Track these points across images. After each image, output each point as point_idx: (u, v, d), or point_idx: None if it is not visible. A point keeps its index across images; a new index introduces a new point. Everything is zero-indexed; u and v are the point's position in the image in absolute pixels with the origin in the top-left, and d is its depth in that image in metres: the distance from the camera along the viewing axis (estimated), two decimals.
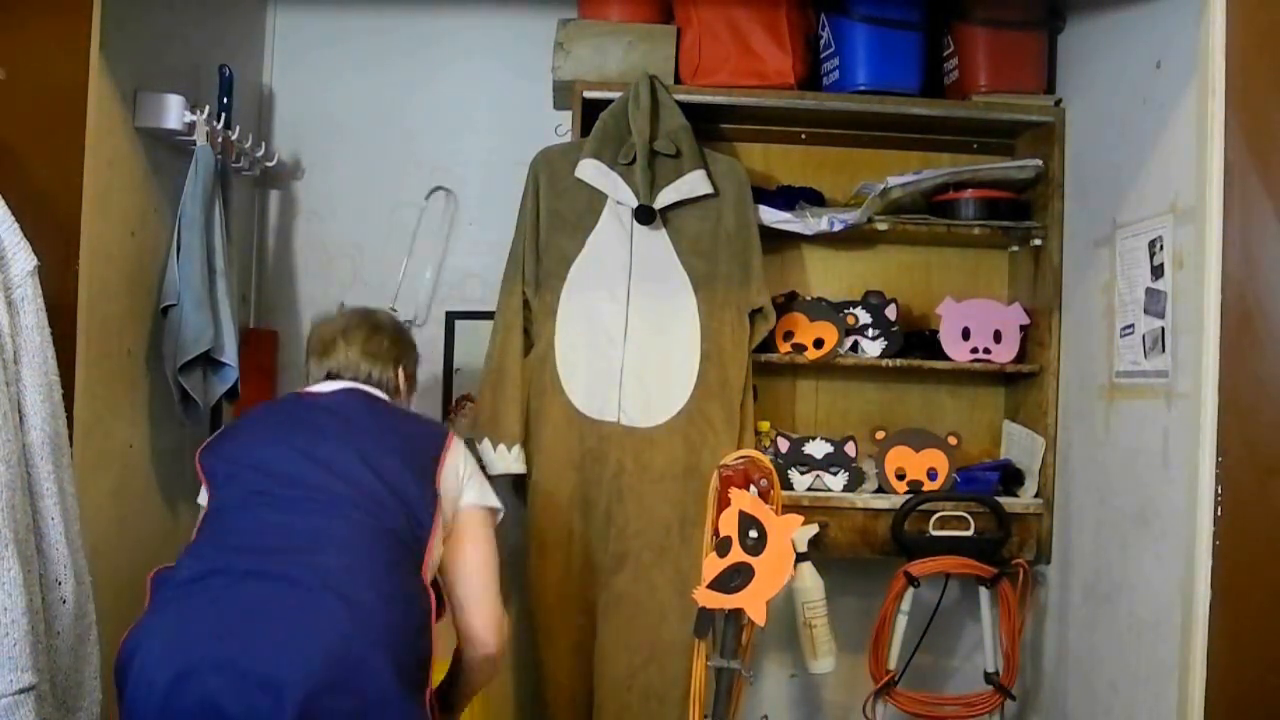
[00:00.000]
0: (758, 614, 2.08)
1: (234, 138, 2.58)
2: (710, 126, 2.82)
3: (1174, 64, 2.17)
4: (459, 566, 1.90)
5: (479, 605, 1.91)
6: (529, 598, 2.60)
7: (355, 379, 2.02)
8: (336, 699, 1.55)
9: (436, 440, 1.93)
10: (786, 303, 2.79)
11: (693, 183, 2.58)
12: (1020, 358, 2.79)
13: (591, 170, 2.58)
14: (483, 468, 2.24)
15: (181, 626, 1.60)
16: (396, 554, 1.74)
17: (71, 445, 1.76)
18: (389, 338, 2.10)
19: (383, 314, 2.18)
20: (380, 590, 1.66)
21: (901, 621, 2.62)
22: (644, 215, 2.55)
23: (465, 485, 1.94)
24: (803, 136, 2.92)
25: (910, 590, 2.60)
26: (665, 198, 2.57)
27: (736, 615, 2.15)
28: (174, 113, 2.32)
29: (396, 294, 2.97)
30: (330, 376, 2.04)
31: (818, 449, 2.72)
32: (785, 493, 2.50)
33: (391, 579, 1.70)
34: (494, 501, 1.99)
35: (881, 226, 2.74)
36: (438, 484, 1.85)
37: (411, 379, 2.15)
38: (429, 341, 2.98)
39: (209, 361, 2.40)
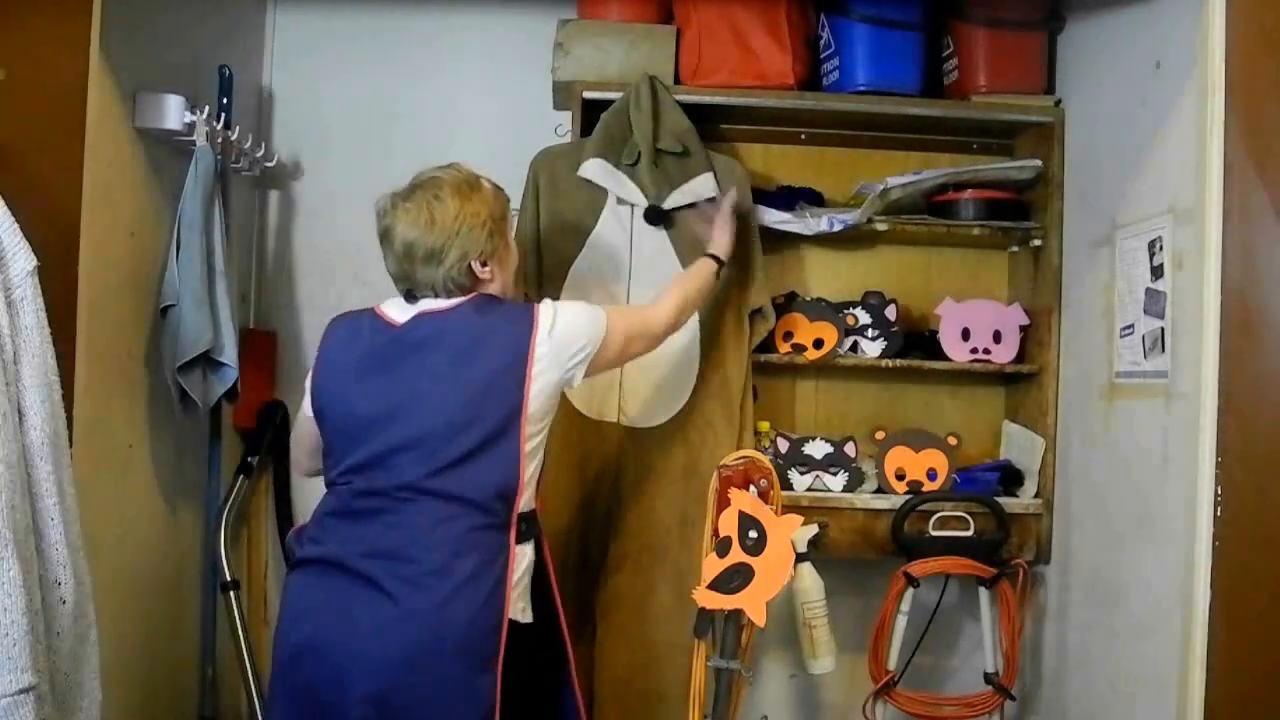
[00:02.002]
0: (757, 614, 2.08)
1: (234, 138, 2.58)
2: (710, 127, 2.82)
3: (1174, 64, 2.17)
4: (628, 355, 2.14)
5: (643, 348, 2.16)
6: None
7: (418, 292, 1.98)
8: (402, 692, 1.79)
9: (511, 365, 1.89)
10: (786, 303, 2.79)
11: (702, 186, 2.58)
12: (1020, 358, 2.79)
13: (598, 170, 2.57)
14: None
15: (295, 608, 1.90)
16: (477, 523, 1.87)
17: (71, 445, 1.76)
18: (447, 230, 1.94)
19: (445, 185, 2.02)
20: (452, 580, 1.82)
21: (901, 622, 2.61)
22: (652, 215, 2.56)
23: (570, 366, 1.96)
24: (803, 137, 2.92)
25: (910, 590, 2.60)
26: (674, 200, 2.57)
27: (736, 615, 2.15)
28: (174, 113, 2.32)
29: None
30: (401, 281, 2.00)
31: (817, 449, 2.72)
32: (785, 493, 2.50)
33: (465, 561, 1.84)
34: (598, 326, 1.99)
35: (881, 227, 2.74)
36: (523, 427, 1.89)
37: (493, 259, 1.99)
38: None
39: (208, 362, 2.40)
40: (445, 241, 1.93)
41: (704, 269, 2.32)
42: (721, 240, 2.38)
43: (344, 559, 1.86)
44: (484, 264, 1.97)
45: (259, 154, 2.78)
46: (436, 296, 1.97)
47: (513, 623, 1.90)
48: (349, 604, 1.83)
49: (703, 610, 2.18)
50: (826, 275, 2.95)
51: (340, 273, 3.02)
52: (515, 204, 2.69)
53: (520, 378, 1.89)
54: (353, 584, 1.83)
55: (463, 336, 1.93)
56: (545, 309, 1.96)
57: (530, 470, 1.94)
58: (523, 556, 1.94)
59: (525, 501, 1.94)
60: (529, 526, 1.96)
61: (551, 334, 1.93)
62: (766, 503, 2.23)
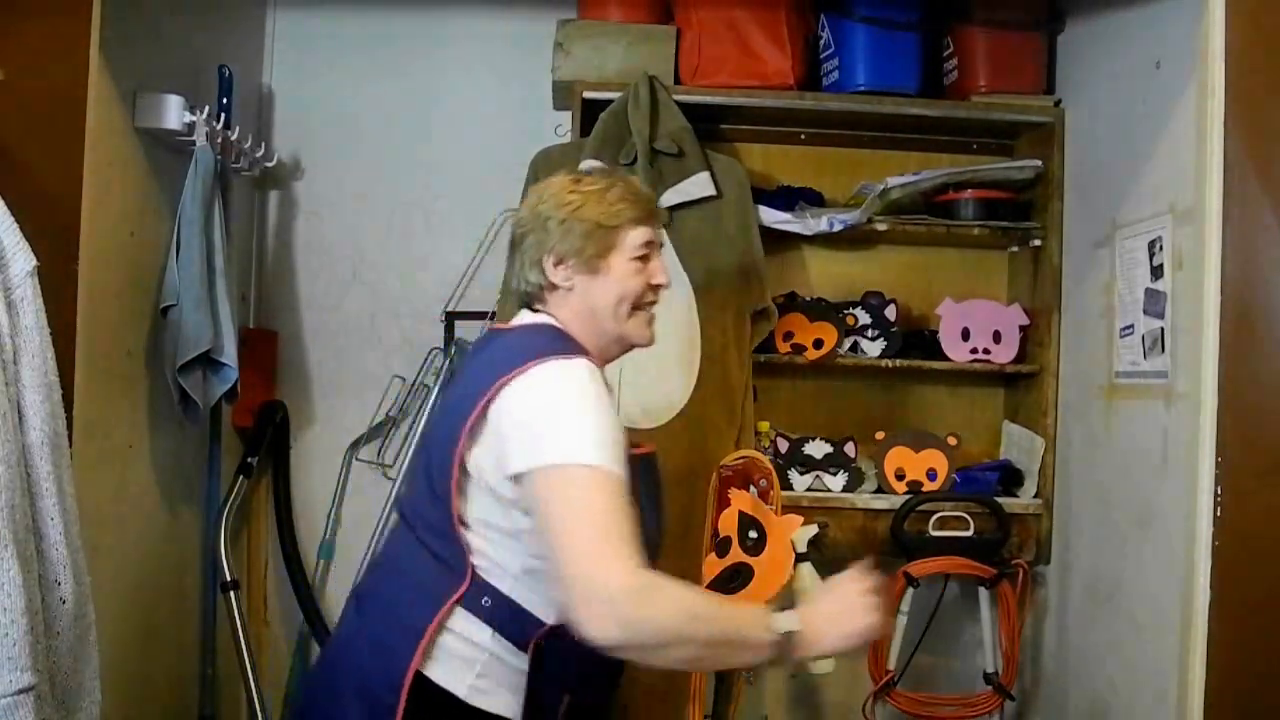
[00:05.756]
0: None
1: (234, 138, 2.58)
2: (710, 127, 2.82)
3: (1174, 64, 2.17)
4: (542, 546, 1.45)
5: (555, 579, 1.41)
6: None
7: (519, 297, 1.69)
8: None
9: (481, 389, 1.50)
10: (786, 303, 2.79)
11: (697, 185, 2.58)
12: (1020, 358, 2.79)
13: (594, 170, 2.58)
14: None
15: None
16: (420, 551, 1.58)
17: (71, 445, 1.75)
18: (530, 220, 1.63)
19: (576, 173, 1.74)
20: (374, 604, 1.63)
21: (901, 621, 2.62)
22: None
23: (511, 444, 1.46)
24: (802, 137, 2.92)
25: (910, 590, 2.60)
26: (669, 199, 2.57)
27: None
28: (174, 113, 2.32)
29: (454, 296, 2.99)
30: None
31: (817, 449, 2.71)
32: (785, 493, 2.50)
33: (393, 584, 1.62)
34: (551, 458, 1.42)
35: (881, 227, 2.74)
36: (460, 446, 1.50)
37: (577, 267, 1.60)
38: (429, 342, 2.98)
39: (209, 362, 2.40)
40: (529, 225, 1.63)
41: (754, 627, 1.45)
42: (817, 621, 1.48)
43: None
44: (559, 263, 1.60)
45: (259, 154, 2.78)
46: (526, 305, 1.67)
47: (467, 706, 1.52)
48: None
49: None
50: (826, 275, 2.95)
51: (340, 273, 3.02)
52: (515, 204, 2.71)
53: (456, 433, 1.51)
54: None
55: (485, 353, 1.66)
56: (538, 374, 1.49)
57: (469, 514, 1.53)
58: (474, 631, 1.53)
59: (491, 570, 1.53)
60: (498, 611, 1.52)
61: (518, 405, 1.48)
62: (766, 503, 2.23)
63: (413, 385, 2.98)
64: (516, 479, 1.46)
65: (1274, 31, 1.85)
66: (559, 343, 1.57)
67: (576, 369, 1.51)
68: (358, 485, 3.01)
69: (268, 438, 2.89)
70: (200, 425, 2.64)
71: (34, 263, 1.64)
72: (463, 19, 3.03)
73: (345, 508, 3.00)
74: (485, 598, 1.53)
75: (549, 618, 1.52)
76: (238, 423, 2.86)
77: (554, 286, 1.62)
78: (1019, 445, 2.81)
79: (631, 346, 1.69)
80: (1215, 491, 1.90)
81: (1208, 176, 1.94)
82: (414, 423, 2.95)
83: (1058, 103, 2.75)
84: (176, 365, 2.32)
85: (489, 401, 1.49)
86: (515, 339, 1.61)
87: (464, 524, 1.53)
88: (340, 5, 3.02)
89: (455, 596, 1.52)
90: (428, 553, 1.56)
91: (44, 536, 1.63)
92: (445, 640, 1.52)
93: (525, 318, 1.66)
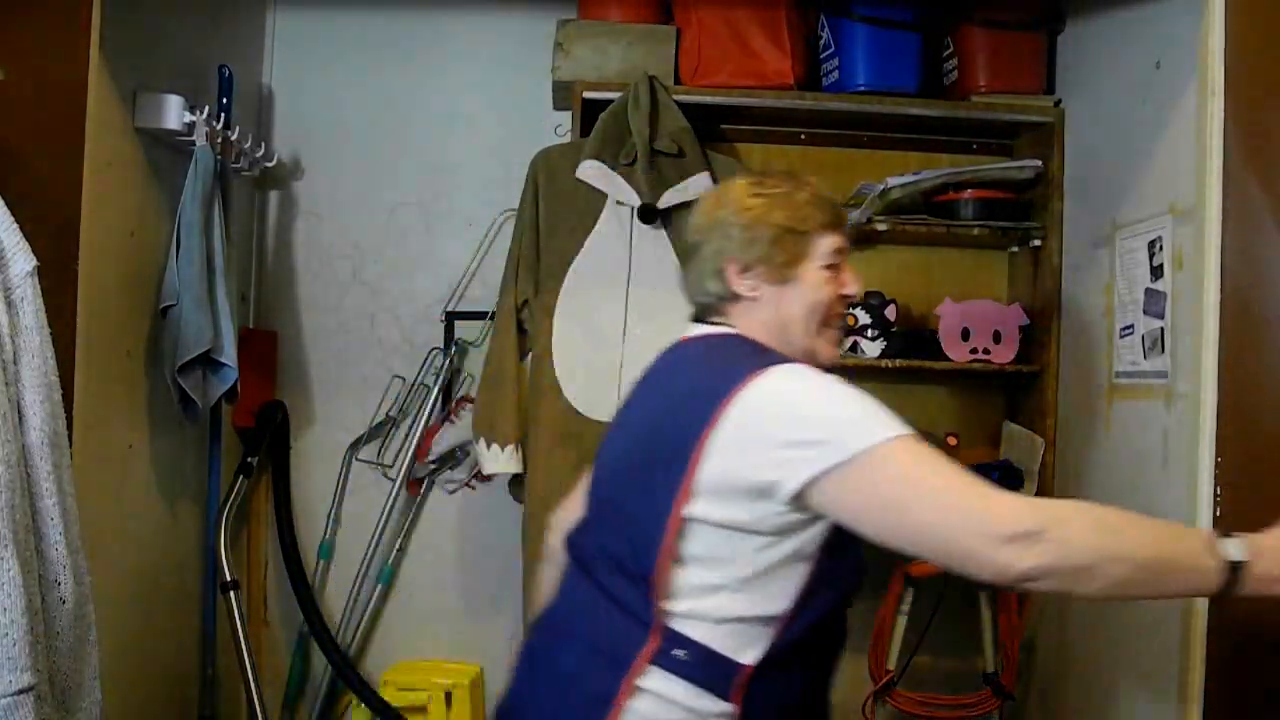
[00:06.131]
0: None
1: (233, 138, 2.58)
2: (710, 127, 2.82)
3: (1174, 64, 2.17)
4: (879, 540, 1.35)
5: (931, 554, 1.33)
6: (526, 601, 2.59)
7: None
8: None
9: (699, 416, 1.37)
10: None
11: (697, 186, 2.58)
12: (1020, 358, 2.79)
13: (593, 171, 2.58)
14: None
15: None
16: (600, 600, 1.45)
17: (71, 445, 1.75)
18: (708, 227, 1.53)
19: (758, 174, 1.62)
20: (545, 669, 1.49)
21: (901, 622, 2.61)
22: (647, 214, 2.55)
23: (778, 468, 1.33)
24: (802, 137, 2.92)
25: (910, 591, 2.60)
26: (669, 199, 2.57)
27: None
28: (174, 113, 2.32)
29: (453, 296, 2.99)
30: None
31: None
32: None
33: (566, 650, 1.47)
34: (851, 449, 1.30)
35: (881, 227, 2.74)
36: (686, 487, 1.37)
37: (764, 275, 1.50)
38: (429, 342, 2.98)
39: (208, 362, 2.40)
40: (707, 232, 1.54)
41: (1197, 550, 1.29)
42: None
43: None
44: (743, 271, 1.50)
45: (259, 154, 2.78)
46: (703, 320, 1.56)
47: None
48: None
49: None
50: None
51: (340, 273, 3.02)
52: (515, 204, 2.71)
53: (671, 474, 1.39)
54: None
55: (671, 376, 1.53)
56: (763, 380, 1.37)
57: (694, 565, 1.39)
58: (668, 689, 1.38)
59: (685, 613, 1.39)
60: (696, 661, 1.37)
61: (744, 417, 1.36)
62: None
63: (412, 385, 2.98)
64: (798, 496, 1.33)
65: (1274, 31, 1.85)
66: (760, 355, 1.44)
67: (799, 368, 1.41)
68: (358, 485, 3.01)
69: (268, 438, 2.89)
70: (200, 425, 2.64)
71: (34, 263, 1.65)
72: (463, 19, 3.03)
73: (345, 508, 3.01)
74: (679, 649, 1.38)
75: (748, 659, 1.39)
76: (238, 423, 2.86)
77: (737, 297, 1.51)
78: (1019, 445, 2.81)
79: (817, 364, 1.52)
80: (1215, 491, 1.90)
81: (1208, 176, 1.94)
82: (414, 423, 2.96)
83: (1058, 103, 2.75)
84: (176, 365, 2.32)
85: (710, 429, 1.36)
86: (709, 355, 1.50)
87: (678, 560, 1.39)
88: (340, 5, 3.02)
89: (646, 654, 1.38)
90: (610, 601, 1.43)
91: (44, 536, 1.63)
92: (634, 703, 1.37)
93: (701, 329, 1.55)
